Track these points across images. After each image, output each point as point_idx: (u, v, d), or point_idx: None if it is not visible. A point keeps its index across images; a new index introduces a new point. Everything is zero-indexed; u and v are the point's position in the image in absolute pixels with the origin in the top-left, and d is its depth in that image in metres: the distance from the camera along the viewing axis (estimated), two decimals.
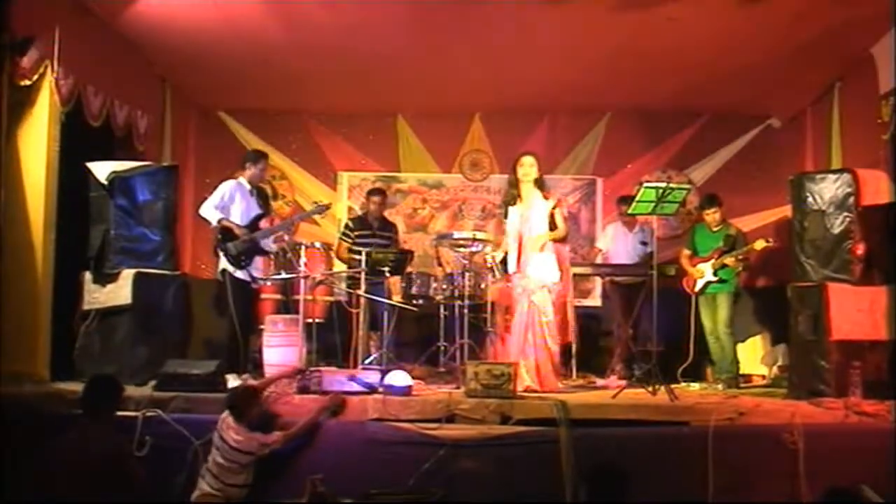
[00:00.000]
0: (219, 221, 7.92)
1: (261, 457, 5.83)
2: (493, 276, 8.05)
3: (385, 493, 5.82)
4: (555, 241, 7.70)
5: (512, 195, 7.82)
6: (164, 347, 7.45)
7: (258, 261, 8.16)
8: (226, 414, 5.87)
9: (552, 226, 7.67)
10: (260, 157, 8.51)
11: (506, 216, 7.86)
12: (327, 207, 8.54)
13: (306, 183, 11.00)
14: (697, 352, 8.62)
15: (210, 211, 7.99)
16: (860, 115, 8.44)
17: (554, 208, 7.72)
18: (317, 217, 10.28)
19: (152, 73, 9.37)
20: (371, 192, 9.79)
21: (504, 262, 7.81)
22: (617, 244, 9.58)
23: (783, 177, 8.22)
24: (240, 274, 7.95)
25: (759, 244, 8.33)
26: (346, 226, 9.75)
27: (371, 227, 9.46)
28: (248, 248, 7.95)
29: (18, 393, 6.38)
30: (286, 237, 8.23)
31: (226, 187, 8.15)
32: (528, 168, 7.73)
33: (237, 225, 7.96)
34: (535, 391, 7.20)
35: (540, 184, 7.78)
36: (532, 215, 7.68)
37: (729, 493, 5.84)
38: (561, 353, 7.72)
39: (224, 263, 7.94)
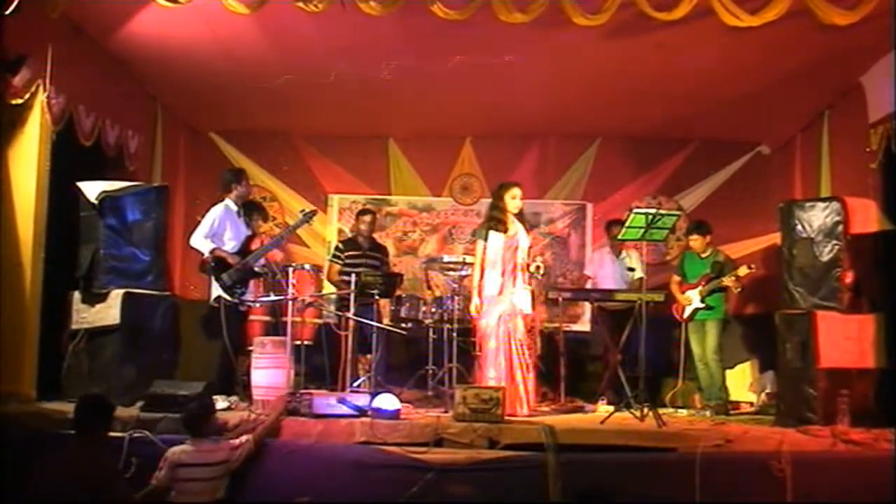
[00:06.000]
0: (211, 252, 7.89)
1: (232, 468, 5.71)
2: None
3: None
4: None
5: (497, 221, 7.72)
6: (152, 368, 7.38)
7: (249, 283, 8.16)
8: (174, 450, 5.63)
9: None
10: (241, 174, 8.53)
11: (485, 239, 7.72)
12: (314, 214, 8.38)
13: (297, 205, 10.80)
14: (686, 378, 8.62)
15: (200, 241, 7.96)
16: (849, 143, 8.49)
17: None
18: (307, 239, 10.30)
19: (144, 93, 9.39)
20: (361, 213, 9.79)
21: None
22: (604, 270, 9.60)
23: (773, 204, 8.25)
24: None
25: (743, 270, 8.37)
26: (337, 248, 9.73)
27: (361, 248, 9.45)
28: (241, 275, 7.95)
29: (4, 412, 6.34)
30: (277, 252, 8.20)
31: (215, 214, 8.12)
32: (519, 200, 7.75)
33: (229, 254, 7.96)
34: (524, 415, 7.23)
35: (521, 215, 7.83)
36: (517, 244, 7.66)
37: None
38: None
39: (219, 290, 7.91)
